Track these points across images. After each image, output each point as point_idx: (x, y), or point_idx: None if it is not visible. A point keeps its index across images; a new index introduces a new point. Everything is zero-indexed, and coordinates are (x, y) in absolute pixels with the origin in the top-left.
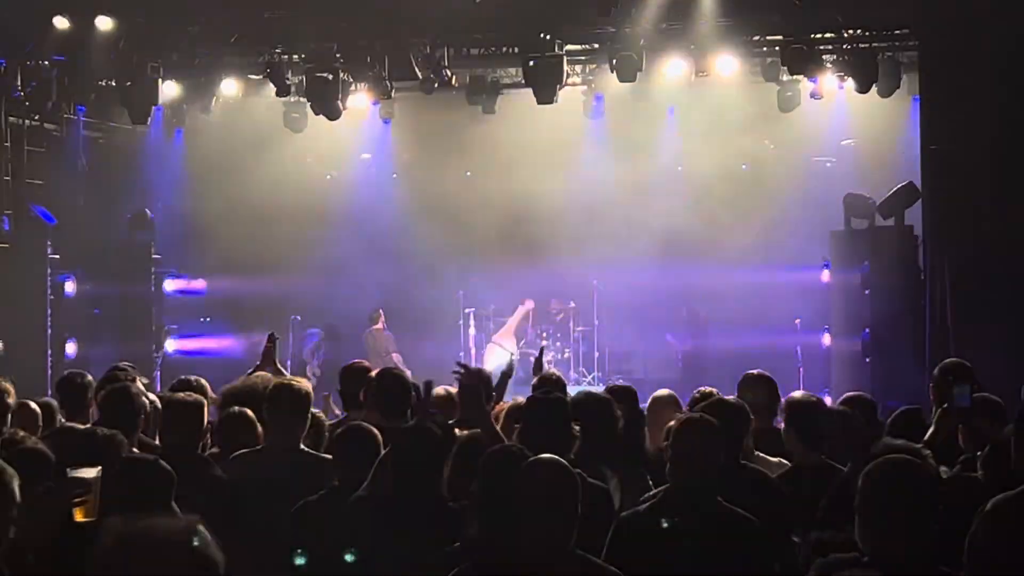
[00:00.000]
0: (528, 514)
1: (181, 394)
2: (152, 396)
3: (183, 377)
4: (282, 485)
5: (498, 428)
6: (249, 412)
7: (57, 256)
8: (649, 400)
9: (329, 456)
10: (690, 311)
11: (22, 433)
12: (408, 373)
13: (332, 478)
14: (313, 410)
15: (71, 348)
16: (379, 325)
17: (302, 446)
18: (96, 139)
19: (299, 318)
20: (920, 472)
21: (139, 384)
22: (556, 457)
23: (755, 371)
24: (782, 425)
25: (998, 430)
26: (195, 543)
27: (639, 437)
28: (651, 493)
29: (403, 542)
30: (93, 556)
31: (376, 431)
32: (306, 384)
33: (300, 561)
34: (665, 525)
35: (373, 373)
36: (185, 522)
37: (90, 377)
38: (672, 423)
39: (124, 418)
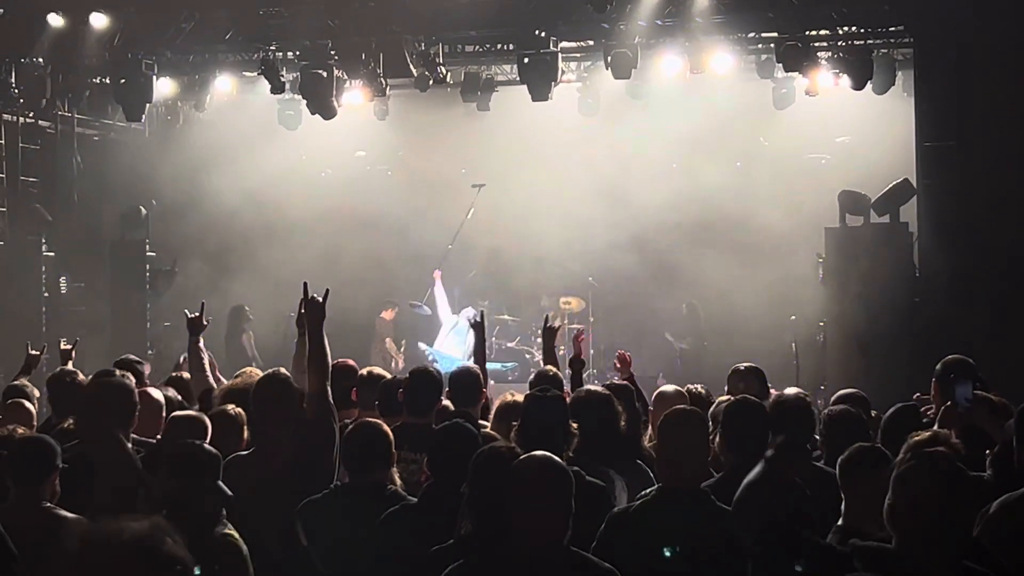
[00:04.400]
0: (520, 511)
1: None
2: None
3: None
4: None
5: (488, 426)
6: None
7: (52, 254)
8: (654, 396)
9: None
10: (689, 308)
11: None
12: (397, 361)
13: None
14: None
15: (65, 346)
16: (388, 315)
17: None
18: (90, 137)
19: (292, 315)
20: (954, 467)
21: (130, 379)
22: (547, 454)
23: (744, 364)
24: None
25: (998, 428)
26: (163, 545)
27: (639, 435)
28: (645, 491)
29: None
30: (56, 560)
31: (387, 429)
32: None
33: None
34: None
35: (365, 371)
36: (151, 523)
37: (81, 376)
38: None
39: (112, 413)
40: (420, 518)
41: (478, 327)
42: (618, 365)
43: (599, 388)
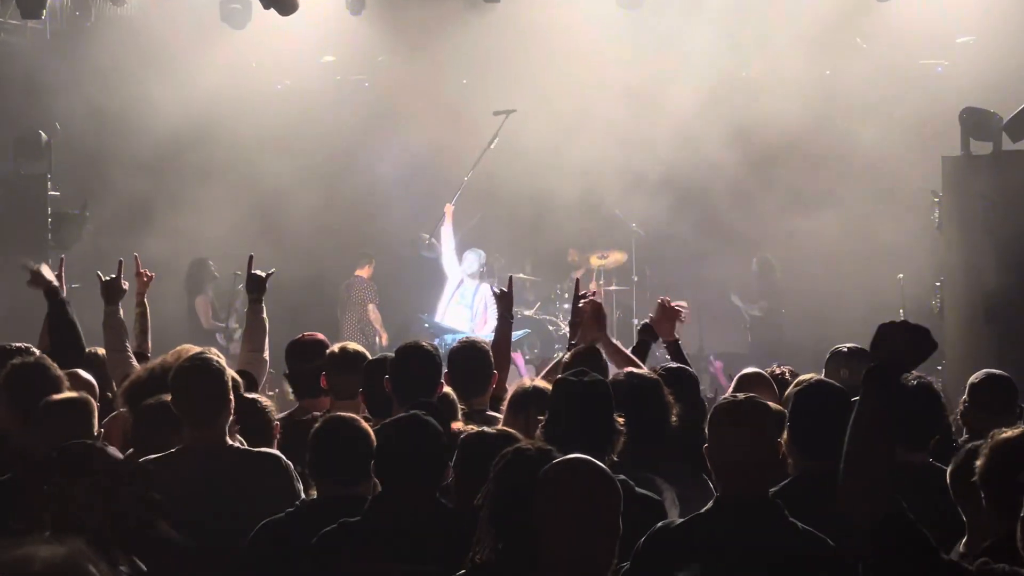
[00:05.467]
0: (551, 533)
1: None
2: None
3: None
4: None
5: (500, 422)
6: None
7: None
8: (734, 381)
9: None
10: (762, 263)
11: None
12: (382, 336)
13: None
14: (252, 395)
15: None
16: (365, 272)
17: (231, 442)
18: None
19: (239, 273)
20: None
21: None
22: (587, 458)
23: (847, 345)
24: None
25: None
26: None
27: (701, 435)
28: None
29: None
30: None
31: (368, 427)
32: (219, 357)
33: None
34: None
35: (337, 347)
36: (69, 549)
37: None
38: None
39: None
40: (364, 538)
41: (504, 299)
42: (655, 317)
43: (644, 371)
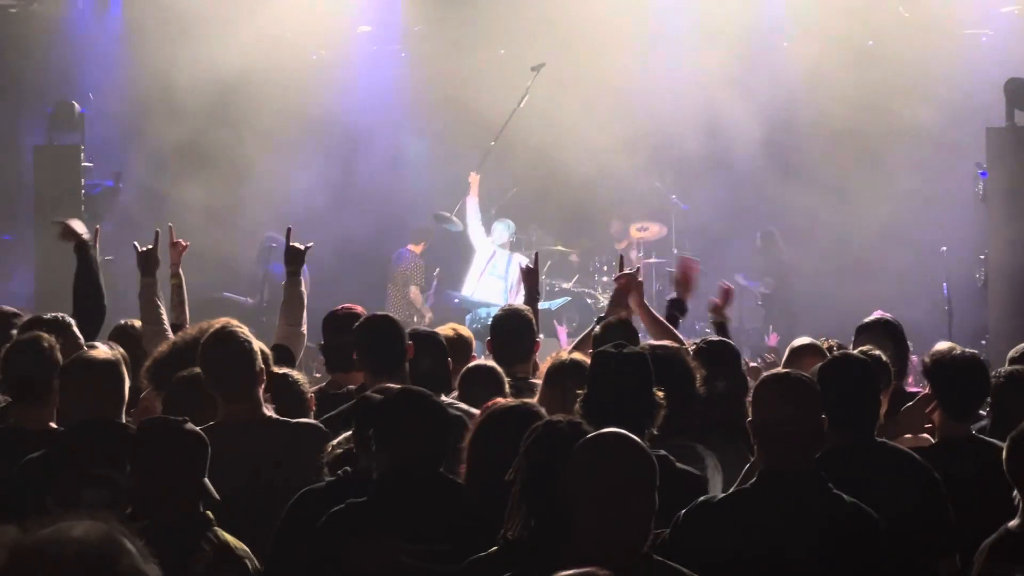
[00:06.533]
0: (585, 508)
1: (95, 352)
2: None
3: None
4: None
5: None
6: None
7: None
8: (787, 353)
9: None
10: (765, 237)
11: None
12: (424, 316)
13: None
14: (284, 369)
15: None
16: (418, 248)
17: (268, 413)
18: (7, 8)
19: (275, 245)
20: None
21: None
22: (622, 432)
23: (871, 316)
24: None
25: None
26: (120, 559)
27: (742, 410)
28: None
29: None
30: None
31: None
32: (242, 327)
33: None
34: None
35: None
36: (105, 529)
37: None
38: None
39: (32, 384)
40: (372, 519)
41: (530, 275)
42: (718, 303)
43: (667, 342)
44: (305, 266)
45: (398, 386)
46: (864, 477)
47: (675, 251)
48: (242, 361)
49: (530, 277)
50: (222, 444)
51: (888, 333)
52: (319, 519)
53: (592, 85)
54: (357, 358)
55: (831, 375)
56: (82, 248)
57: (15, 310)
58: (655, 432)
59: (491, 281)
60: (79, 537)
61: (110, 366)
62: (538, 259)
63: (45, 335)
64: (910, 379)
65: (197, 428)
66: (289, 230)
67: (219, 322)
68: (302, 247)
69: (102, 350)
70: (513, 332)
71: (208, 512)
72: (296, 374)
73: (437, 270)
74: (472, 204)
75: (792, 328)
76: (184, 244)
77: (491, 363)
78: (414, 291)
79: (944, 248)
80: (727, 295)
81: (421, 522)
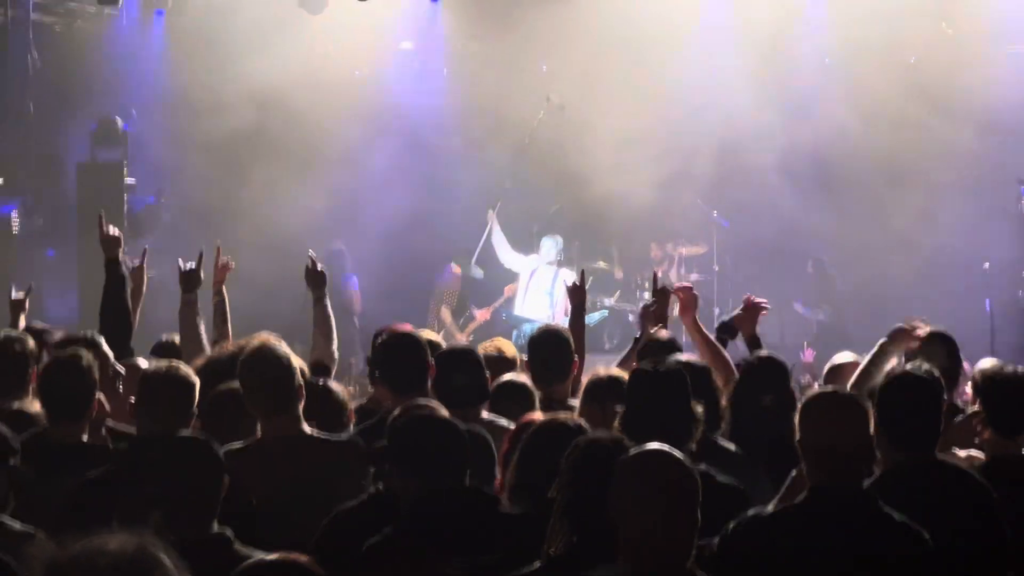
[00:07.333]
0: (630, 525)
1: (163, 365)
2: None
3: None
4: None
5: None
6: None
7: (0, 180)
8: (826, 369)
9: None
10: (816, 265)
11: None
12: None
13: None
14: (326, 381)
15: (16, 295)
16: (459, 268)
17: (308, 430)
18: (51, 26)
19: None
20: None
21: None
22: (666, 449)
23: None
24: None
25: None
26: (155, 571)
27: (790, 426)
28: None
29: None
30: None
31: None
32: (280, 343)
33: None
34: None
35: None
36: (139, 542)
37: (32, 343)
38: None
39: (67, 402)
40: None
41: (576, 292)
42: (742, 312)
43: (693, 358)
44: (356, 279)
45: (424, 403)
46: (922, 496)
47: (715, 268)
48: (281, 377)
49: (576, 295)
50: (261, 460)
51: (940, 344)
52: (351, 540)
53: (633, 100)
54: (378, 376)
55: (892, 392)
56: (112, 265)
57: (45, 326)
58: (693, 448)
59: (537, 297)
60: (114, 551)
61: (187, 383)
62: (584, 276)
63: (85, 352)
64: (965, 393)
65: (215, 447)
66: (311, 257)
67: (258, 338)
68: (321, 269)
69: (178, 366)
70: (551, 351)
71: (226, 531)
72: (336, 386)
73: (472, 309)
74: (497, 236)
75: (851, 346)
76: (231, 265)
77: (523, 379)
78: (444, 311)
79: (987, 264)
80: (749, 308)
81: (462, 538)
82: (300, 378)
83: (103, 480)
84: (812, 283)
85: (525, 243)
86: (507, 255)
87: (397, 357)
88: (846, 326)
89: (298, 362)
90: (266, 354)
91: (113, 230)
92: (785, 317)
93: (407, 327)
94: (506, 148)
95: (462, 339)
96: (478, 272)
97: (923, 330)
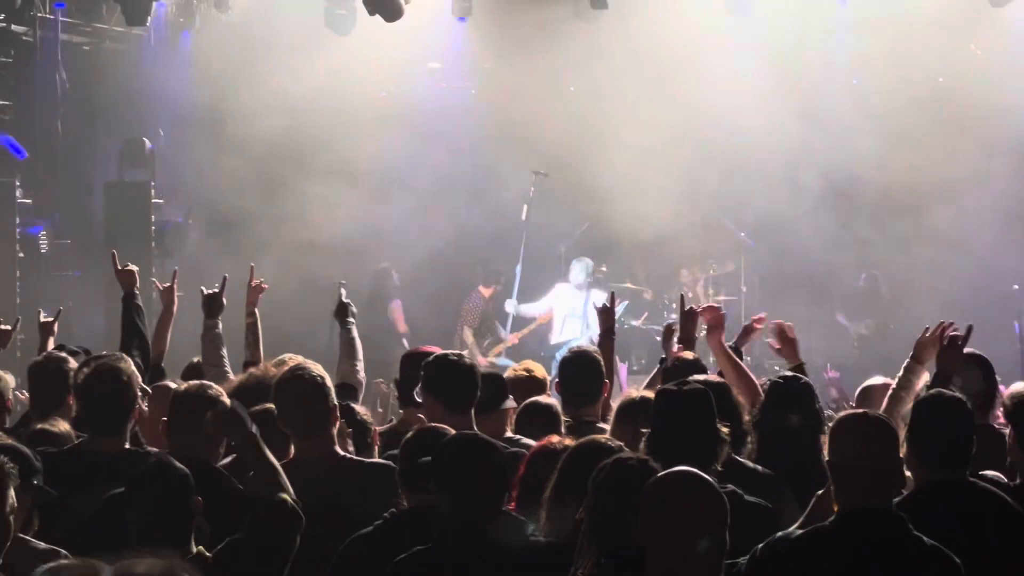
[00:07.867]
0: (659, 547)
1: (189, 384)
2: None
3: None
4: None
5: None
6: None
7: (28, 201)
8: (858, 392)
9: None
10: (869, 280)
11: None
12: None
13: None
14: (351, 404)
15: (45, 319)
16: (488, 291)
17: (342, 452)
18: (79, 46)
19: (387, 266)
20: None
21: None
22: (694, 471)
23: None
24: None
25: None
26: None
27: (818, 446)
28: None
29: None
30: None
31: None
32: (315, 365)
33: None
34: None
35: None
36: (166, 565)
37: (72, 362)
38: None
39: (105, 415)
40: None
41: (606, 314)
42: (776, 346)
43: (712, 375)
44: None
45: (445, 428)
46: (954, 517)
47: (743, 288)
48: (315, 398)
49: (606, 316)
50: (294, 481)
51: (977, 365)
52: (369, 563)
53: (661, 120)
54: (431, 391)
55: (923, 413)
56: (128, 300)
57: (77, 348)
58: (719, 469)
59: (572, 323)
60: (142, 573)
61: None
62: (614, 298)
63: (124, 367)
64: (999, 415)
65: (182, 468)
66: (339, 284)
67: (293, 360)
68: (348, 302)
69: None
70: (580, 374)
71: (201, 549)
72: (361, 409)
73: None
74: (510, 305)
75: (887, 365)
76: (264, 286)
77: (549, 400)
78: (466, 332)
79: (1016, 286)
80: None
81: (494, 561)
82: (334, 400)
83: (124, 499)
84: (861, 297)
85: (552, 266)
86: (525, 310)
87: (449, 374)
88: (890, 342)
89: (330, 383)
90: (301, 375)
91: (128, 265)
92: (840, 342)
93: (435, 349)
94: (531, 167)
95: (484, 362)
96: (513, 308)
97: (951, 330)
